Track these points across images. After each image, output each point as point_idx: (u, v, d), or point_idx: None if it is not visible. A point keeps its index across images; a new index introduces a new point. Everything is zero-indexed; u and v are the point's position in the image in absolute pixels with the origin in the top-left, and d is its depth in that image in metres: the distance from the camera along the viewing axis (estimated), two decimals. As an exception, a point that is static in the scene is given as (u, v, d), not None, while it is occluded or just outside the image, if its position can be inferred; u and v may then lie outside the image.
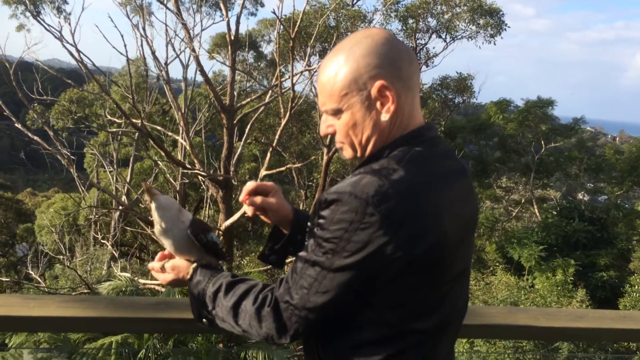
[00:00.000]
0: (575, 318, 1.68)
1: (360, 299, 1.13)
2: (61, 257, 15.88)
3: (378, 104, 1.17)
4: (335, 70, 1.18)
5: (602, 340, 6.77)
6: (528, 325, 1.62)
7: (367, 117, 1.18)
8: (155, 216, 1.30)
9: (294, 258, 1.21)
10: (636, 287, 12.86)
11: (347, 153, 1.24)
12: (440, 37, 17.25)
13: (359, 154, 1.22)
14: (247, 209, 1.42)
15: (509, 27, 17.15)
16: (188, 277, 1.32)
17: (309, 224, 1.25)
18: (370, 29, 1.27)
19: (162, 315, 1.46)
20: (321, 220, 1.12)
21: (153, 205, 1.29)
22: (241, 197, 1.40)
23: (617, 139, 66.29)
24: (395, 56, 1.18)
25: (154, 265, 1.40)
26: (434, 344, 1.21)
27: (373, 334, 1.15)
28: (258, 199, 1.40)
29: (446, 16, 16.69)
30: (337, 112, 1.20)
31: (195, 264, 1.33)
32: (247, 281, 1.24)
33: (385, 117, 1.17)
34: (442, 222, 1.13)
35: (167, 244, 1.34)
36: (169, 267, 1.36)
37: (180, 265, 1.36)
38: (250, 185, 1.40)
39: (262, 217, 1.45)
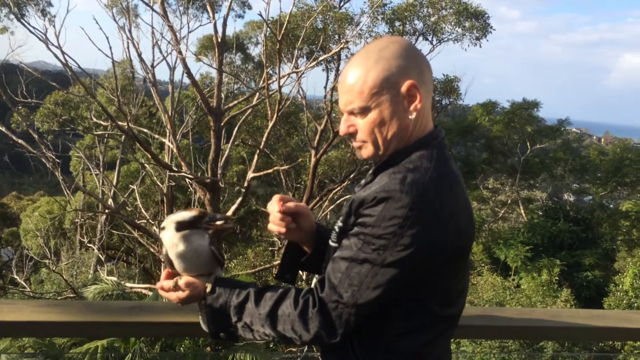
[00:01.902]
0: (550, 317, 1.71)
1: (406, 290, 1.18)
2: (47, 261, 15.73)
3: (406, 103, 1.23)
4: (366, 70, 1.23)
5: (575, 339, 6.84)
6: (502, 325, 1.64)
7: (395, 115, 1.23)
8: (168, 239, 1.31)
9: (331, 260, 1.22)
10: (620, 286, 12.99)
11: (367, 152, 1.28)
12: (426, 39, 17.29)
13: (380, 152, 1.27)
14: (278, 223, 1.37)
15: (494, 29, 17.23)
16: (208, 290, 1.30)
17: (338, 224, 1.29)
18: (392, 36, 1.40)
19: (137, 319, 1.46)
20: (368, 219, 1.16)
21: (164, 235, 1.31)
22: (274, 205, 1.36)
23: (603, 140, 67.00)
24: (420, 61, 1.26)
25: (164, 284, 1.36)
26: (454, 328, 1.31)
27: (412, 322, 1.21)
28: (298, 204, 1.39)
29: (432, 19, 16.74)
30: (364, 111, 1.24)
31: (212, 278, 1.33)
32: (276, 288, 1.26)
33: (412, 115, 1.23)
34: (471, 214, 1.25)
35: (182, 263, 1.32)
36: (183, 284, 1.34)
37: (195, 281, 1.34)
38: (278, 195, 1.39)
39: (287, 234, 1.40)
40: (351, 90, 1.24)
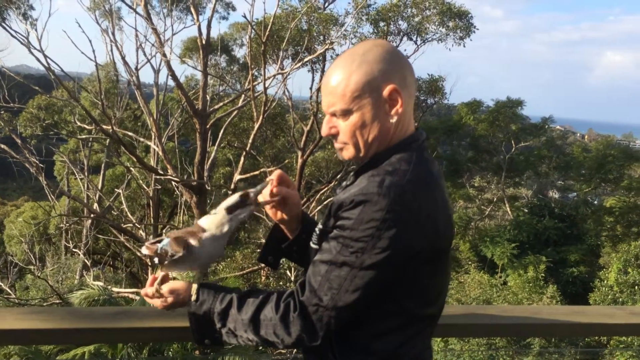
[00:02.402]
0: (531, 314, 1.74)
1: (384, 292, 1.19)
2: (32, 267, 15.54)
3: (387, 107, 1.24)
4: (349, 73, 1.24)
5: (557, 335, 6.94)
6: (484, 323, 1.67)
7: (376, 118, 1.24)
8: (216, 220, 1.35)
9: (312, 262, 1.24)
10: (605, 281, 13.15)
11: (348, 153, 1.29)
12: (411, 39, 17.39)
13: (361, 154, 1.28)
14: (268, 195, 1.40)
15: (477, 29, 17.39)
16: (193, 297, 1.31)
17: (318, 226, 1.30)
18: (376, 40, 1.34)
19: (121, 325, 1.45)
20: (347, 222, 1.17)
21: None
22: (273, 181, 1.40)
23: (586, 137, 67.83)
24: (402, 65, 1.27)
25: (147, 291, 1.38)
26: (432, 328, 1.32)
27: (390, 322, 1.22)
28: (290, 190, 1.42)
29: (416, 19, 16.85)
30: (346, 113, 1.25)
31: (196, 284, 1.33)
32: (257, 293, 1.27)
33: (393, 119, 1.25)
34: (450, 215, 1.26)
35: (213, 246, 1.35)
36: (167, 290, 1.35)
37: (179, 288, 1.35)
38: (278, 172, 1.41)
39: (272, 211, 1.44)
40: (334, 92, 1.25)
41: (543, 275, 14.16)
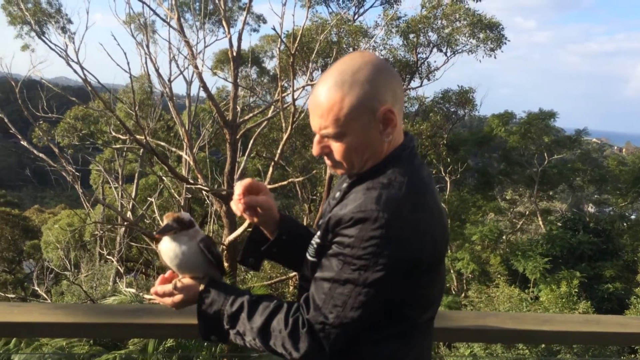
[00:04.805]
0: (542, 322, 1.73)
1: (386, 304, 1.21)
2: (67, 273, 15.95)
3: (381, 126, 1.23)
4: (342, 95, 1.21)
5: (569, 343, 6.78)
6: (495, 328, 1.67)
7: (370, 139, 1.24)
8: (164, 242, 1.37)
9: (313, 278, 1.25)
10: (642, 298, 12.74)
11: (342, 170, 1.30)
12: (441, 51, 17.40)
13: (355, 171, 1.28)
14: (237, 207, 1.39)
15: (509, 40, 17.27)
16: (203, 293, 1.33)
17: (315, 240, 1.30)
18: (363, 53, 1.30)
19: (140, 321, 1.52)
20: (346, 239, 1.17)
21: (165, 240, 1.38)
22: (237, 193, 1.37)
23: (624, 150, 65.93)
24: (392, 81, 1.26)
25: (157, 289, 1.40)
26: (430, 328, 1.34)
27: (390, 330, 1.24)
28: (259, 198, 1.40)
29: (446, 30, 16.84)
30: (340, 136, 1.24)
31: (205, 282, 1.36)
32: (269, 301, 1.28)
33: (388, 137, 1.25)
34: (445, 223, 1.27)
35: (175, 260, 1.36)
36: (179, 287, 1.37)
37: (189, 285, 1.37)
38: (245, 182, 1.39)
39: (248, 216, 1.42)
40: (326, 115, 1.22)
41: (576, 290, 13.78)
